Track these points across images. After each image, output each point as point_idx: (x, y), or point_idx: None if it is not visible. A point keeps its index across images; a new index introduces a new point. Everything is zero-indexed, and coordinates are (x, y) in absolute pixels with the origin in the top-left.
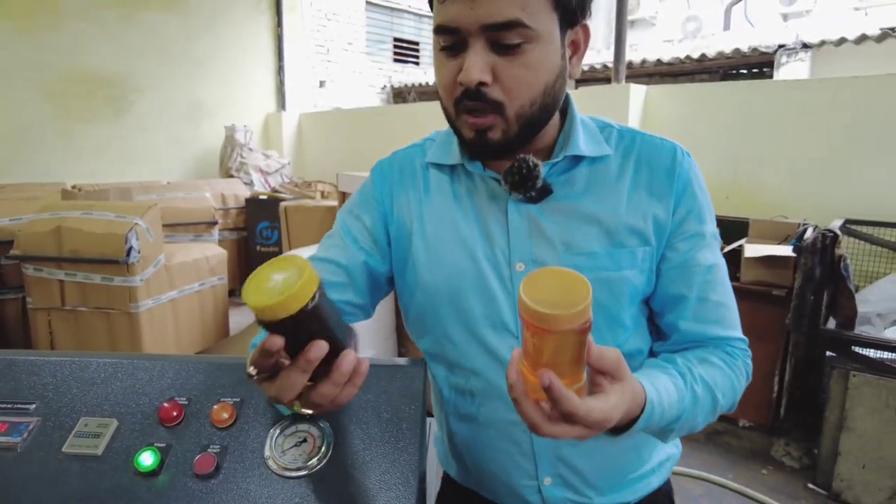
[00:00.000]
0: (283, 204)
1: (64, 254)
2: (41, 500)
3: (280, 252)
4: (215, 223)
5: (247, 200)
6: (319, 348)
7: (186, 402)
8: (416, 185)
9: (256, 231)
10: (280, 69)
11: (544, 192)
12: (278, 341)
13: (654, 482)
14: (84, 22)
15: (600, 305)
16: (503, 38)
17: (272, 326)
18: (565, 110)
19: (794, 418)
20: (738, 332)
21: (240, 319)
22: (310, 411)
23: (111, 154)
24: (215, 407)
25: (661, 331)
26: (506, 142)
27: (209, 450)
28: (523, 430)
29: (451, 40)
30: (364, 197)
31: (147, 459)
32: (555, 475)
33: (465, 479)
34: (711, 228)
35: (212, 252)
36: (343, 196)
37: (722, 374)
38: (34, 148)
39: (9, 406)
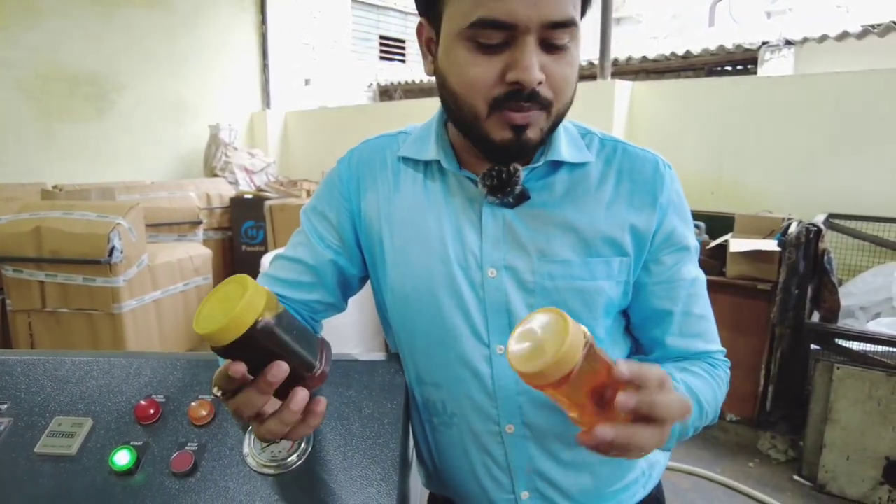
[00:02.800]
0: (268, 203)
1: (44, 254)
2: (12, 502)
3: (266, 251)
4: (200, 223)
5: (232, 200)
6: (279, 370)
7: (164, 400)
8: (385, 179)
9: (241, 231)
10: (265, 67)
11: (522, 198)
12: (240, 367)
13: (640, 492)
14: (62, 19)
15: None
16: (557, 36)
17: (226, 352)
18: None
19: (779, 411)
20: (718, 345)
21: None
22: (264, 443)
23: (92, 154)
24: (193, 404)
25: (641, 345)
26: (539, 142)
27: (187, 448)
28: (498, 443)
29: (501, 37)
30: (330, 191)
31: (122, 458)
32: (532, 489)
33: (438, 488)
34: (693, 241)
35: (196, 252)
36: None
37: (704, 384)
38: (12, 148)
39: None
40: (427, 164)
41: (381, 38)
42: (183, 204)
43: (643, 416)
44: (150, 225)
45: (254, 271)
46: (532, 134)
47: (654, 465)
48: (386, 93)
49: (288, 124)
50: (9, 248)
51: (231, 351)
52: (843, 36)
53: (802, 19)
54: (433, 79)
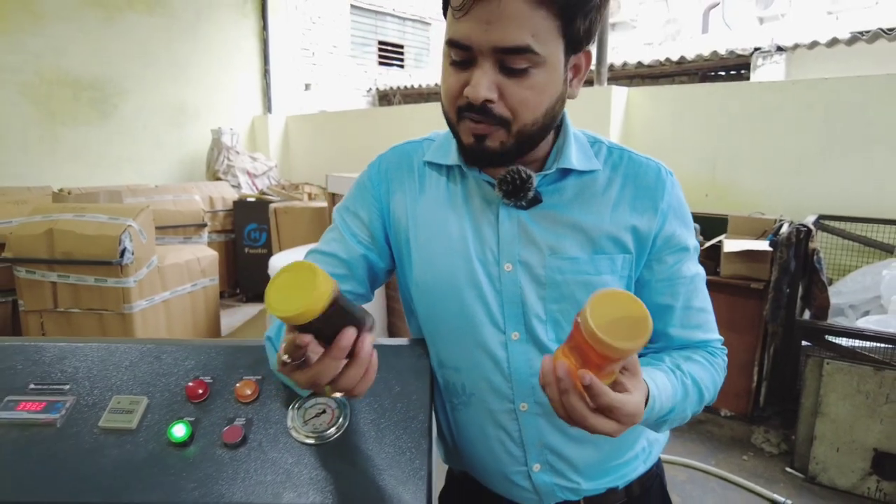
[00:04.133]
0: (272, 205)
1: (56, 256)
2: (82, 469)
3: (269, 253)
4: (205, 225)
5: (235, 203)
6: (349, 336)
7: (211, 381)
8: (412, 181)
9: (244, 233)
10: (266, 72)
11: (534, 201)
12: (307, 338)
13: (641, 467)
14: (65, 24)
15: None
16: (512, 61)
17: (299, 328)
18: (559, 125)
19: (772, 407)
20: (716, 335)
21: (230, 320)
22: (339, 394)
23: (96, 157)
24: (238, 384)
25: None
26: (502, 152)
27: (235, 422)
28: (513, 419)
29: (462, 55)
30: (361, 192)
31: (179, 431)
32: (543, 462)
33: (457, 464)
34: (693, 241)
35: (203, 254)
36: (332, 197)
37: (704, 371)
38: (17, 151)
39: (44, 387)
40: (449, 168)
41: (380, 43)
42: (188, 207)
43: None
44: (157, 227)
45: (257, 273)
46: (491, 144)
47: (653, 443)
48: (385, 97)
49: (289, 128)
50: (21, 249)
51: (305, 327)
52: (833, 42)
53: (794, 26)
54: (431, 84)
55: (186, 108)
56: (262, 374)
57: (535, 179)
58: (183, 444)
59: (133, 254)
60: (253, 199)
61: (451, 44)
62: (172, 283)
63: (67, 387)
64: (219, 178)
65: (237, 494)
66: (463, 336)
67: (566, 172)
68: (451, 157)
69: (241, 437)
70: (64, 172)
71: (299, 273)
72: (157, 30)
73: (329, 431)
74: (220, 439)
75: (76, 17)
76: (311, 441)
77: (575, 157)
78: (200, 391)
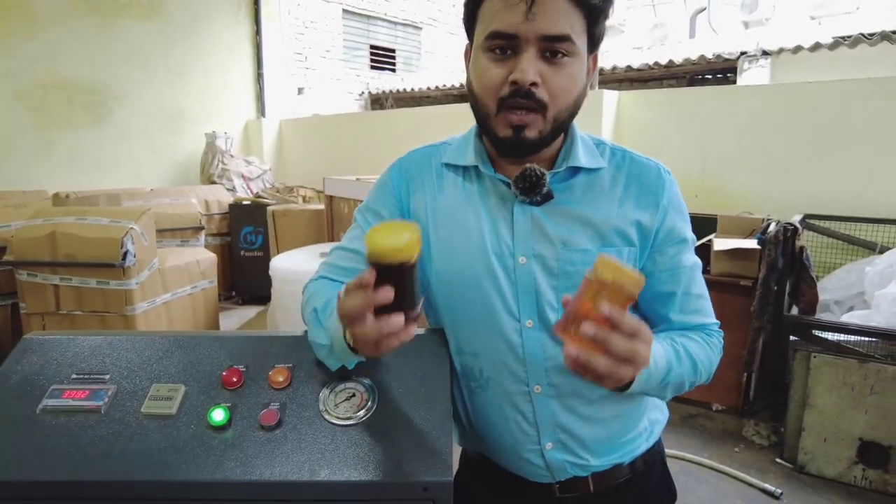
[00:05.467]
0: (270, 208)
1: (59, 258)
2: (129, 450)
3: (265, 256)
4: (202, 228)
5: (230, 206)
6: (389, 292)
7: (245, 369)
8: (431, 182)
9: (241, 236)
10: (259, 76)
11: (547, 198)
12: (391, 290)
13: (644, 445)
14: (60, 29)
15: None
16: (554, 48)
17: (386, 269)
18: (567, 128)
19: (762, 400)
20: (713, 319)
21: (227, 323)
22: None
23: (91, 162)
24: (271, 371)
25: (649, 320)
26: (539, 141)
27: (270, 406)
28: (527, 401)
29: (506, 45)
30: (382, 193)
31: (218, 415)
32: (555, 440)
33: (472, 445)
34: (690, 234)
35: (202, 256)
36: (330, 199)
37: (699, 346)
38: (11, 156)
39: (86, 377)
40: (466, 168)
41: (372, 47)
42: (185, 210)
43: (605, 350)
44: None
45: (253, 275)
46: (530, 134)
47: (654, 423)
48: (377, 101)
49: (283, 132)
50: (24, 252)
51: (392, 270)
52: (816, 47)
53: (778, 30)
54: (423, 87)
55: (181, 112)
56: (293, 362)
57: (548, 177)
58: (222, 428)
59: (135, 256)
60: (248, 203)
61: (496, 35)
62: (173, 285)
63: (108, 376)
64: (213, 182)
65: (277, 472)
66: (481, 324)
67: (575, 171)
68: (468, 158)
69: (277, 419)
70: (59, 177)
71: (397, 227)
72: (151, 35)
73: (359, 413)
74: (257, 422)
75: (71, 23)
76: (343, 422)
77: (583, 156)
78: (235, 379)
